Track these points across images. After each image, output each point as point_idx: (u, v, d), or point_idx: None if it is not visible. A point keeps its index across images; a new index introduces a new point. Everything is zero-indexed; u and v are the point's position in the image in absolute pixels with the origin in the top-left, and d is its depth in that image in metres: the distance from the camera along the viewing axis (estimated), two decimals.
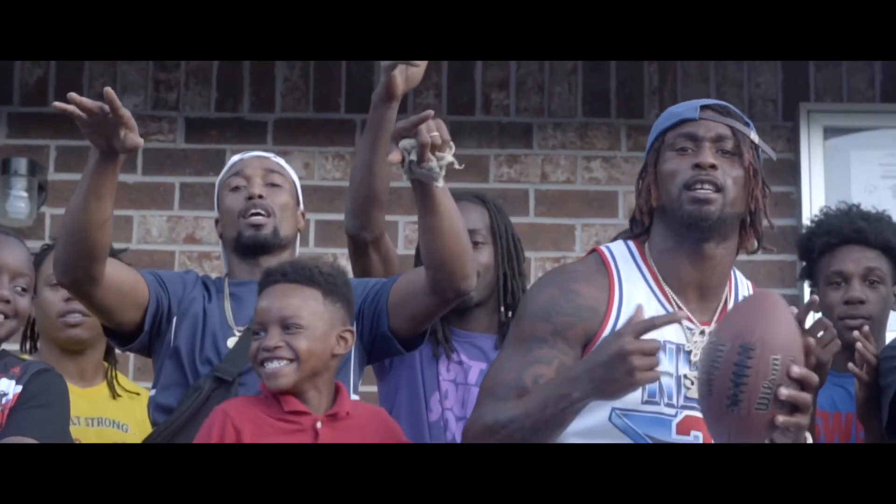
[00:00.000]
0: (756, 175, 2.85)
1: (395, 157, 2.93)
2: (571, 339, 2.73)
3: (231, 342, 3.24)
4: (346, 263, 4.49)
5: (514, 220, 4.80)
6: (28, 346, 3.89)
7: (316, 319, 2.94)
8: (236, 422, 2.86)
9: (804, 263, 3.68)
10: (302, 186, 4.82)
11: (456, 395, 3.34)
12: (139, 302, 3.24)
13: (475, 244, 3.45)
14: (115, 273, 3.18)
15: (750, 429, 2.53)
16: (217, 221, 3.50)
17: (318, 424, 2.89)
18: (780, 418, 2.51)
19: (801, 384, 2.52)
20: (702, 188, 2.79)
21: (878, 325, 3.45)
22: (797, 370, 2.50)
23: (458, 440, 2.90)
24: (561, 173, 4.94)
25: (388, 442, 2.93)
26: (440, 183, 2.97)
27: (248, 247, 3.36)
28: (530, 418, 2.64)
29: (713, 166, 2.79)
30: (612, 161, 4.93)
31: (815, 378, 2.53)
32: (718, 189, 2.79)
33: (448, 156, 2.94)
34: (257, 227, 3.34)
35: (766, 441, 2.57)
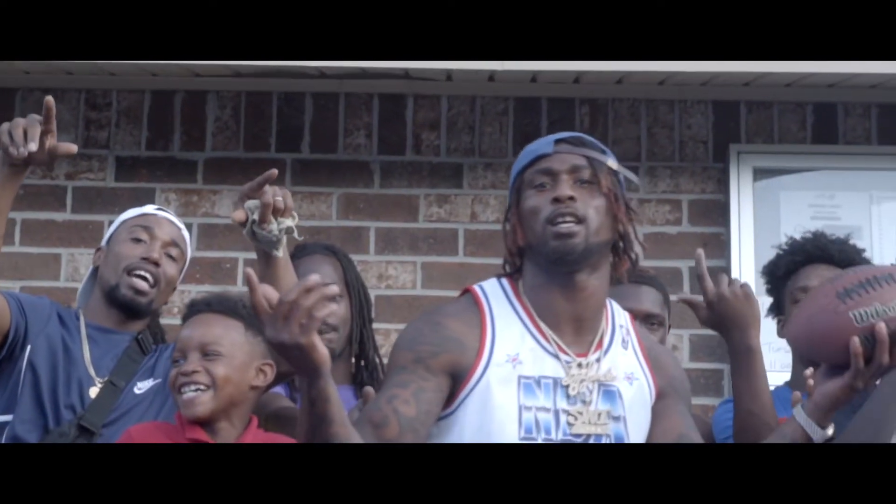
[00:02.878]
0: (618, 200, 2.86)
1: (238, 215, 3.02)
2: (434, 367, 2.74)
3: (93, 392, 3.28)
4: None
5: (443, 259, 4.90)
6: None
7: (236, 349, 3.01)
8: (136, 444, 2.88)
9: (770, 288, 3.71)
10: (232, 225, 4.85)
11: None
12: (1, 324, 3.28)
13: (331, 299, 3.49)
14: None
15: (830, 323, 2.78)
16: (98, 250, 3.55)
17: None
18: (856, 341, 2.74)
19: (893, 343, 2.74)
20: (564, 221, 2.79)
21: None
22: None
23: None
24: (491, 213, 4.94)
25: None
26: (280, 252, 3.05)
27: (119, 303, 3.43)
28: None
29: (572, 198, 2.80)
30: None
31: None
32: (580, 221, 2.79)
33: (288, 220, 3.02)
34: (138, 292, 3.42)
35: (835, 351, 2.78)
